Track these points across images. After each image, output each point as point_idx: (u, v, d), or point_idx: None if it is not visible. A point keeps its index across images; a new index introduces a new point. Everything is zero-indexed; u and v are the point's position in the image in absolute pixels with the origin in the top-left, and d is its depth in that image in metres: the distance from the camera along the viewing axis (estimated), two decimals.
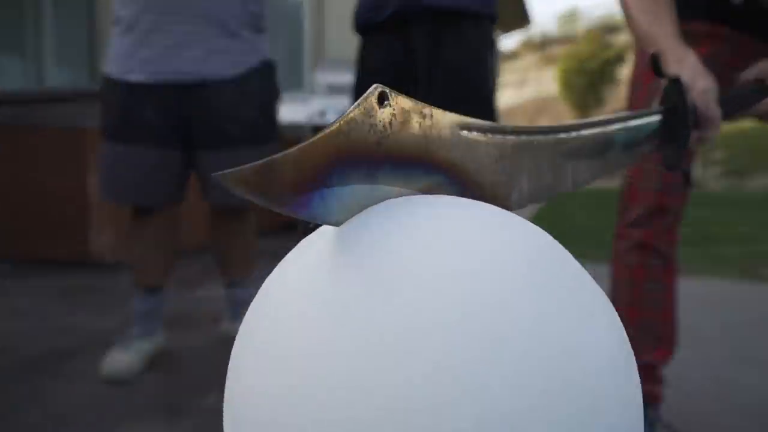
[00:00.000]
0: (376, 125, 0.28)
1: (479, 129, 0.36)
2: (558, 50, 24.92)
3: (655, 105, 0.70)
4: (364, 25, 1.59)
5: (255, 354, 0.29)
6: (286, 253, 0.35)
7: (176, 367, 1.56)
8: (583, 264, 0.35)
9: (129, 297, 1.65)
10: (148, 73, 1.38)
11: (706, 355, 1.44)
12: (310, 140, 0.27)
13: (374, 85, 0.28)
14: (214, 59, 1.41)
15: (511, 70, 26.18)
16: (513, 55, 27.78)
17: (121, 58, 1.41)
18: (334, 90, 4.08)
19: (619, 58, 17.95)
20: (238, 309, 1.63)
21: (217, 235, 1.65)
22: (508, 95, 23.25)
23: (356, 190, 0.28)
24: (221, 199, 1.51)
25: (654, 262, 1.20)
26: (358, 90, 1.62)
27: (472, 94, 1.52)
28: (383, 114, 0.28)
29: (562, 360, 0.27)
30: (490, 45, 1.61)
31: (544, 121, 19.28)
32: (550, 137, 0.46)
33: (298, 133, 4.03)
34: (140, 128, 1.40)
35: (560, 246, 0.35)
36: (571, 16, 29.09)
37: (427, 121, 0.31)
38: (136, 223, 1.51)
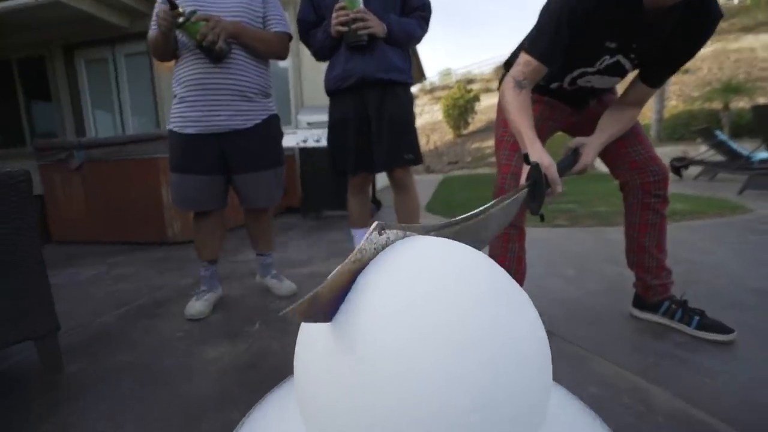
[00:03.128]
0: (377, 248, 0.35)
1: (436, 228, 0.44)
2: (440, 93, 25.04)
3: (524, 181, 0.75)
4: (333, 89, 1.60)
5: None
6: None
7: (231, 307, 1.53)
8: None
9: (196, 266, 1.61)
10: (197, 128, 1.38)
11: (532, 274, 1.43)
12: (338, 271, 0.31)
13: (376, 223, 0.35)
14: (238, 116, 1.41)
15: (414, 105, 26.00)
16: (414, 97, 27.61)
17: (179, 119, 1.40)
18: (311, 125, 4.05)
19: (475, 98, 18.28)
20: (265, 269, 1.68)
21: (249, 223, 1.64)
22: None
23: None
24: (251, 204, 1.54)
25: (512, 231, 1.19)
26: (332, 130, 1.63)
27: (406, 130, 1.57)
28: (381, 239, 0.35)
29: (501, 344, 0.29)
30: (412, 99, 1.65)
31: (436, 137, 19.45)
32: (472, 221, 0.50)
33: (291, 152, 4.00)
34: (195, 163, 1.40)
35: (499, 268, 0.37)
36: (446, 73, 29.32)
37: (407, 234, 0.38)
38: (198, 220, 1.50)
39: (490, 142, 16.03)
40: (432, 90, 27.78)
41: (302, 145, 3.94)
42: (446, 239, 0.39)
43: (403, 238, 0.37)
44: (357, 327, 0.30)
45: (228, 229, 3.01)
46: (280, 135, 1.60)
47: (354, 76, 1.51)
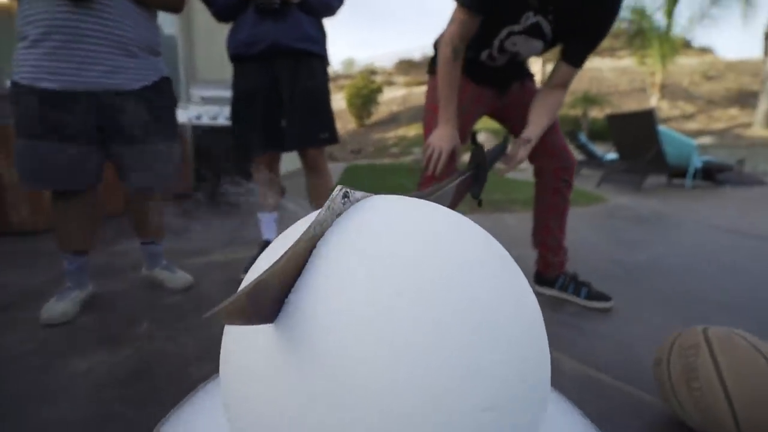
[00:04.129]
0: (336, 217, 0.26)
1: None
2: (344, 82, 24.92)
3: (469, 163, 0.72)
4: (237, 56, 1.43)
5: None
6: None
7: (108, 306, 1.26)
8: None
9: (53, 260, 1.27)
10: (58, 82, 1.08)
11: None
12: (289, 252, 0.22)
13: (339, 187, 0.27)
14: (120, 74, 1.15)
15: None
16: None
17: (30, 69, 1.07)
18: (206, 100, 3.62)
19: (378, 89, 18.61)
20: (154, 260, 1.42)
21: (135, 207, 1.36)
22: None
23: None
24: (138, 183, 1.26)
25: None
26: (237, 102, 1.47)
27: (321, 107, 1.47)
28: (343, 207, 0.27)
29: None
30: (327, 74, 1.54)
31: (339, 125, 19.32)
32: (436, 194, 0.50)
33: (181, 130, 3.50)
34: (55, 128, 1.09)
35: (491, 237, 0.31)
36: (349, 62, 29.28)
37: None
38: (60, 202, 1.19)
39: (392, 133, 16.53)
40: (335, 78, 27.48)
41: (195, 122, 3.50)
42: (419, 199, 0.33)
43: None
44: (310, 326, 0.21)
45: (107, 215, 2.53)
46: (174, 102, 1.35)
47: (263, 42, 1.36)
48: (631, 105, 15.70)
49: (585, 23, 1.00)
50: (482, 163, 0.71)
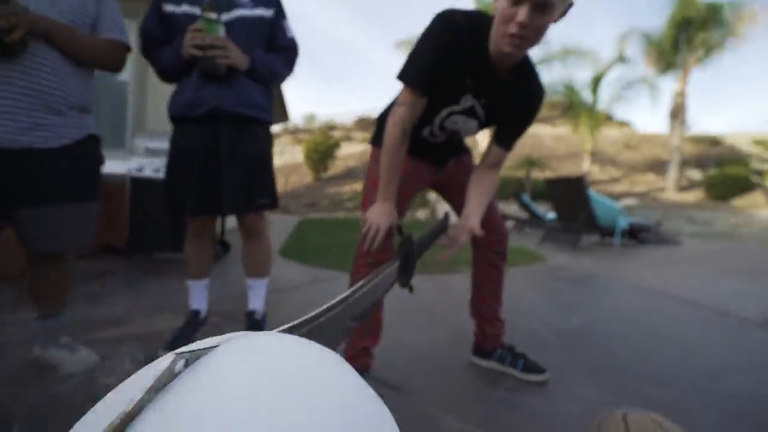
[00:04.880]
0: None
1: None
2: (303, 136, 25.42)
3: (397, 253, 0.70)
4: (179, 116, 1.39)
5: None
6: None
7: None
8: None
9: None
10: None
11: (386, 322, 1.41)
12: None
13: (170, 355, 0.22)
14: (39, 131, 1.06)
15: (275, 144, 25.82)
16: (276, 136, 27.50)
17: None
18: (150, 152, 3.49)
19: (336, 145, 19.12)
20: (49, 337, 1.23)
21: (33, 274, 1.21)
22: (274, 159, 22.78)
23: None
24: (42, 248, 1.14)
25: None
26: (173, 162, 1.42)
27: (261, 172, 1.45)
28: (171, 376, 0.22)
29: None
30: (271, 139, 1.54)
31: (295, 179, 19.33)
32: (333, 312, 0.40)
33: (120, 180, 3.32)
34: None
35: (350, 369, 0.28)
36: (311, 117, 30.14)
37: None
38: None
39: (348, 188, 16.77)
40: (295, 132, 28.01)
41: (136, 174, 3.34)
42: (280, 337, 0.28)
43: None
44: None
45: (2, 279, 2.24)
46: (99, 161, 1.26)
47: (206, 105, 1.34)
48: (568, 167, 17.25)
49: (512, 112, 1.08)
50: (410, 252, 0.70)
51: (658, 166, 16.89)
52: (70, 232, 1.16)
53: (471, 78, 1.01)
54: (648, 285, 2.80)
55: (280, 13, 1.45)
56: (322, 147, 18.68)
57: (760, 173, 13.33)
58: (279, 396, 0.21)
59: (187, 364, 0.22)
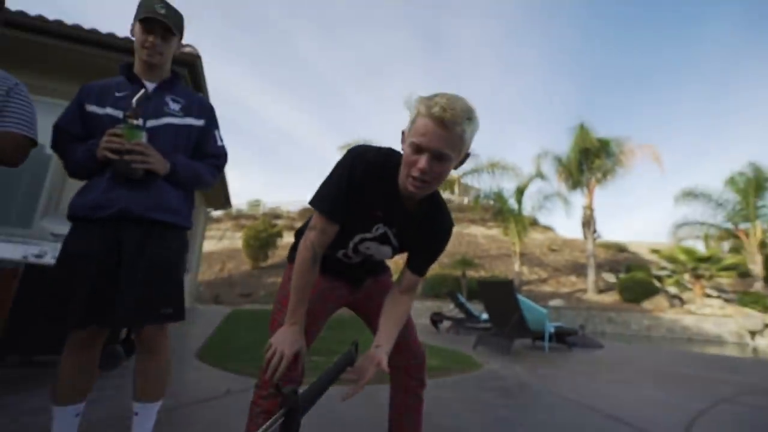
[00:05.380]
0: None
1: None
2: (246, 221, 24.93)
3: (280, 408, 0.64)
4: (79, 216, 1.27)
5: None
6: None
7: None
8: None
9: None
10: None
11: None
12: None
13: None
14: None
15: (215, 229, 24.90)
16: (217, 220, 26.67)
17: None
18: (56, 238, 3.15)
19: (278, 234, 18.86)
20: None
21: None
22: (212, 244, 21.80)
23: None
24: None
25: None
26: (64, 263, 1.25)
27: (168, 280, 1.32)
28: None
29: None
30: (185, 246, 1.42)
31: (231, 265, 18.37)
32: None
33: (13, 267, 2.88)
34: None
35: None
36: (255, 204, 29.95)
37: None
38: None
39: None
40: (237, 217, 27.44)
41: (34, 260, 2.95)
42: None
43: None
44: None
45: None
46: None
47: (111, 208, 1.24)
48: (500, 267, 18.24)
49: (422, 241, 1.12)
50: (293, 408, 0.63)
51: (578, 269, 18.47)
52: None
53: (382, 209, 1.06)
54: (576, 397, 2.80)
55: (212, 123, 1.47)
56: (263, 234, 18.29)
57: (659, 279, 15.07)
58: None
59: None
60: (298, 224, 25.00)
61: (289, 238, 20.12)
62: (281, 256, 18.98)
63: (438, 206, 1.10)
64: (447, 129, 0.86)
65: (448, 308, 8.61)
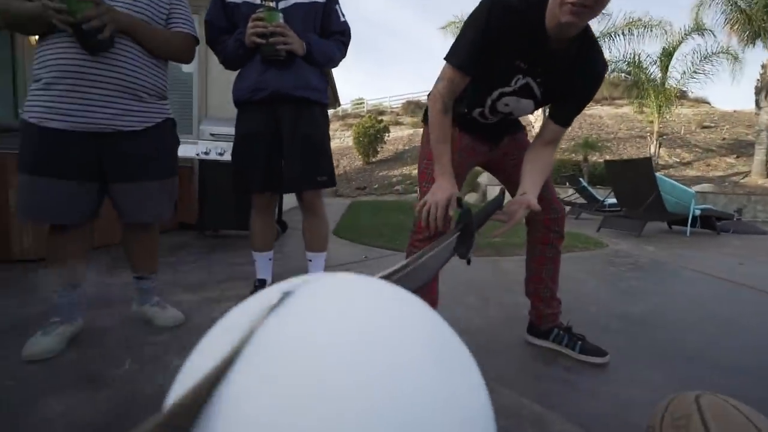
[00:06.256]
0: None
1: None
2: (352, 121, 25.65)
3: (456, 225, 0.72)
4: (243, 101, 1.48)
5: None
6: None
7: (94, 343, 1.22)
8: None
9: (49, 289, 1.26)
10: (67, 123, 1.12)
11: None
12: (210, 373, 0.20)
13: (277, 288, 0.25)
14: (126, 117, 1.19)
15: None
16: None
17: (40, 109, 1.11)
18: (215, 137, 3.73)
19: (385, 129, 19.08)
20: (145, 296, 1.41)
21: (128, 241, 1.37)
22: None
23: None
24: (133, 218, 1.29)
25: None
26: (239, 144, 1.50)
27: (320, 152, 1.50)
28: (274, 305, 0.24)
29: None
30: (327, 120, 1.59)
31: (345, 162, 19.66)
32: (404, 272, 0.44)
33: (190, 163, 3.63)
34: (56, 165, 1.13)
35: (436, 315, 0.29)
36: (359, 102, 30.28)
37: None
38: (55, 235, 1.20)
39: (397, 171, 16.76)
40: (344, 117, 28.32)
41: (203, 156, 3.59)
42: (366, 277, 0.31)
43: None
44: None
45: (99, 246, 2.53)
46: (176, 142, 1.39)
47: (267, 90, 1.42)
48: (630, 151, 15.94)
49: (572, 87, 1.03)
50: (469, 224, 0.70)
51: (740, 148, 15.09)
52: (155, 204, 1.30)
53: (524, 59, 0.98)
54: (722, 274, 2.56)
55: None
56: (371, 132, 18.74)
57: None
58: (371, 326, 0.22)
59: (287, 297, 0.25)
60: (403, 119, 24.72)
61: (396, 133, 20.33)
62: (390, 151, 19.52)
63: (591, 42, 0.99)
64: None
65: (566, 194, 8.08)
